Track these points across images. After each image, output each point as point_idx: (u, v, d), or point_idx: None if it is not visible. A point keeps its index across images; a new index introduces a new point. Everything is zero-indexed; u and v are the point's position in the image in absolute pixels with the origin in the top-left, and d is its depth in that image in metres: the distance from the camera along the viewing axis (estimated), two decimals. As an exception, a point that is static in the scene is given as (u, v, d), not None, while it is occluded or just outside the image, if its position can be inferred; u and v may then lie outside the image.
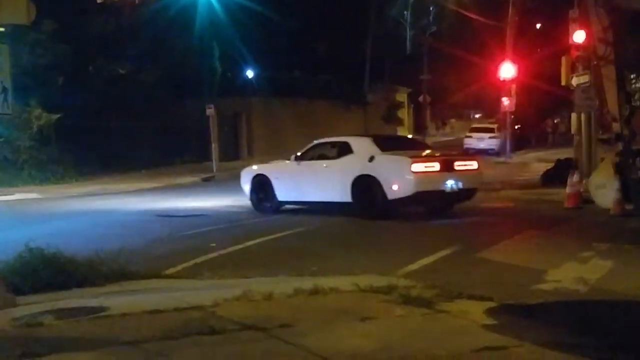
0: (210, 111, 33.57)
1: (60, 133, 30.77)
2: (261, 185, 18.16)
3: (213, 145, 33.66)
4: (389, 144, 17.46)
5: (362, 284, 8.44)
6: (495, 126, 46.50)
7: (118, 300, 8.30)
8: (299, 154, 17.87)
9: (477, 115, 73.60)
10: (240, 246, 12.72)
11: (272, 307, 7.52)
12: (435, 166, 15.99)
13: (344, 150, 16.92)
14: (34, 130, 30.08)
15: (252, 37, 39.03)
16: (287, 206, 18.17)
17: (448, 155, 17.63)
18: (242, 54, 39.44)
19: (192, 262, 11.28)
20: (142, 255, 11.80)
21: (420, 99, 59.76)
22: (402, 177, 15.75)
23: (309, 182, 17.31)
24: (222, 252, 12.17)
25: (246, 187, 18.74)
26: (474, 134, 47.12)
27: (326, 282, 8.57)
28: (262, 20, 38.38)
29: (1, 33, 8.79)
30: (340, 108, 49.86)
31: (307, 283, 8.42)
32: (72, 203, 22.65)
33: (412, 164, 15.68)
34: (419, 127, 63.46)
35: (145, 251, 12.38)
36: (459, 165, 16.54)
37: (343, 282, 8.60)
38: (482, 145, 45.23)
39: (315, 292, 8.05)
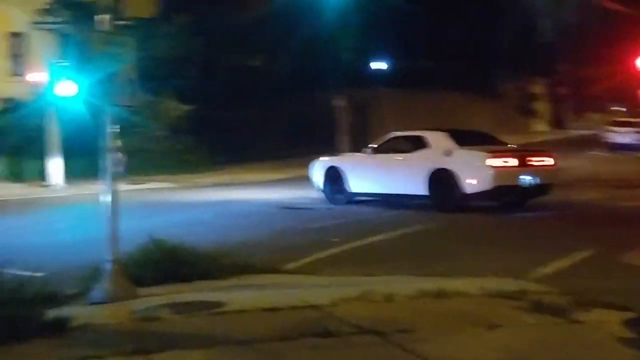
0: (338, 102, 33.42)
1: (194, 124, 31.32)
2: (334, 177, 18.50)
3: (341, 137, 33.51)
4: (465, 138, 17.47)
5: (490, 287, 7.98)
6: (640, 120, 44.05)
7: (236, 295, 8.17)
8: (374, 146, 18.22)
9: (618, 109, 70.44)
10: (363, 242, 12.40)
11: (393, 310, 7.17)
12: (512, 161, 16.17)
13: (420, 144, 17.15)
14: (168, 121, 30.75)
15: (381, 26, 38.58)
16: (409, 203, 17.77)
17: (525, 151, 17.82)
18: (371, 43, 39.03)
19: (313, 257, 11.04)
20: (265, 247, 11.69)
21: (558, 90, 57.80)
22: (479, 171, 15.94)
23: (383, 175, 17.53)
24: (345, 247, 11.88)
25: (317, 178, 19.16)
26: (617, 128, 44.81)
27: (451, 284, 8.14)
28: (392, 9, 37.84)
29: (127, 26, 8.77)
30: (471, 99, 48.79)
31: (431, 284, 8.01)
32: (203, 193, 22.98)
33: (488, 158, 15.94)
34: (556, 120, 61.40)
35: (268, 244, 12.27)
36: (535, 160, 16.63)
37: (469, 285, 8.16)
38: (626, 140, 42.98)
39: (439, 295, 7.64)
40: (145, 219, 14.66)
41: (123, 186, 25.49)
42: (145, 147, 29.93)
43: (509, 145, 17.86)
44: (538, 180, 16.22)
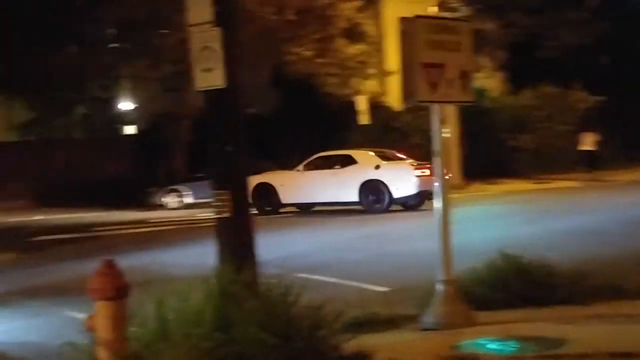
0: None
1: (604, 116, 28.82)
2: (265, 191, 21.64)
3: None
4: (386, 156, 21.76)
5: None
6: None
7: (588, 330, 6.69)
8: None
9: None
10: None
11: None
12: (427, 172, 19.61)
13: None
14: (574, 114, 28.73)
15: None
16: None
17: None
18: None
19: None
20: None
21: None
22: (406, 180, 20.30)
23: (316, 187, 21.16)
24: None
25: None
26: None
27: None
28: None
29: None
30: None
31: None
32: (609, 194, 20.68)
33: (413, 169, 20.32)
34: None
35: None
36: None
37: None
38: None
39: None
40: (522, 226, 13.25)
41: (526, 185, 24.65)
42: (550, 143, 28.28)
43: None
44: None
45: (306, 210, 21.75)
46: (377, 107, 28.96)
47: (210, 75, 6.45)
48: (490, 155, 27.30)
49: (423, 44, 7.19)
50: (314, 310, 6.00)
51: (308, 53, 26.41)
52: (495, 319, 7.20)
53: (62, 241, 17.48)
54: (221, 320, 5.78)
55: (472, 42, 7.63)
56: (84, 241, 17.51)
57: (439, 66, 7.27)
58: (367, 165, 20.85)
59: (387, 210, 20.01)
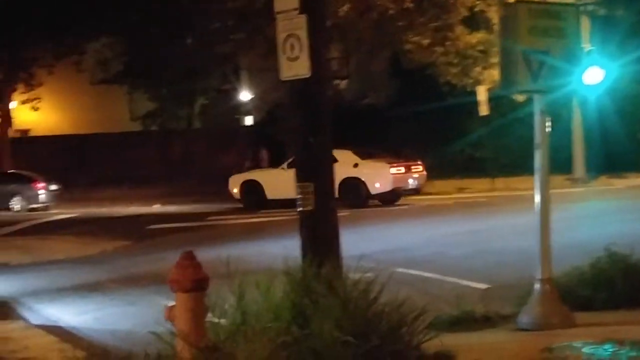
0: None
1: None
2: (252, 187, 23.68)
3: None
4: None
5: None
6: None
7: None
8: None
9: None
10: None
11: None
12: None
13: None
14: None
15: None
16: None
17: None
18: None
19: None
20: None
21: None
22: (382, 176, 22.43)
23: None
24: None
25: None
26: None
27: None
28: None
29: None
30: None
31: None
32: None
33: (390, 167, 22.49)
34: None
35: None
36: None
37: None
38: None
39: None
40: (637, 223, 12.49)
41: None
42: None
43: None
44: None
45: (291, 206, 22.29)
46: (498, 97, 28.13)
47: (295, 65, 6.32)
48: (617, 148, 26.13)
49: (524, 30, 6.85)
50: (396, 308, 5.78)
51: (426, 42, 25.88)
52: (596, 321, 6.85)
53: (176, 230, 17.89)
54: (299, 315, 5.67)
55: (579, 28, 7.23)
56: (196, 230, 17.90)
57: (542, 53, 6.91)
58: (346, 164, 21.86)
59: (365, 206, 21.78)
